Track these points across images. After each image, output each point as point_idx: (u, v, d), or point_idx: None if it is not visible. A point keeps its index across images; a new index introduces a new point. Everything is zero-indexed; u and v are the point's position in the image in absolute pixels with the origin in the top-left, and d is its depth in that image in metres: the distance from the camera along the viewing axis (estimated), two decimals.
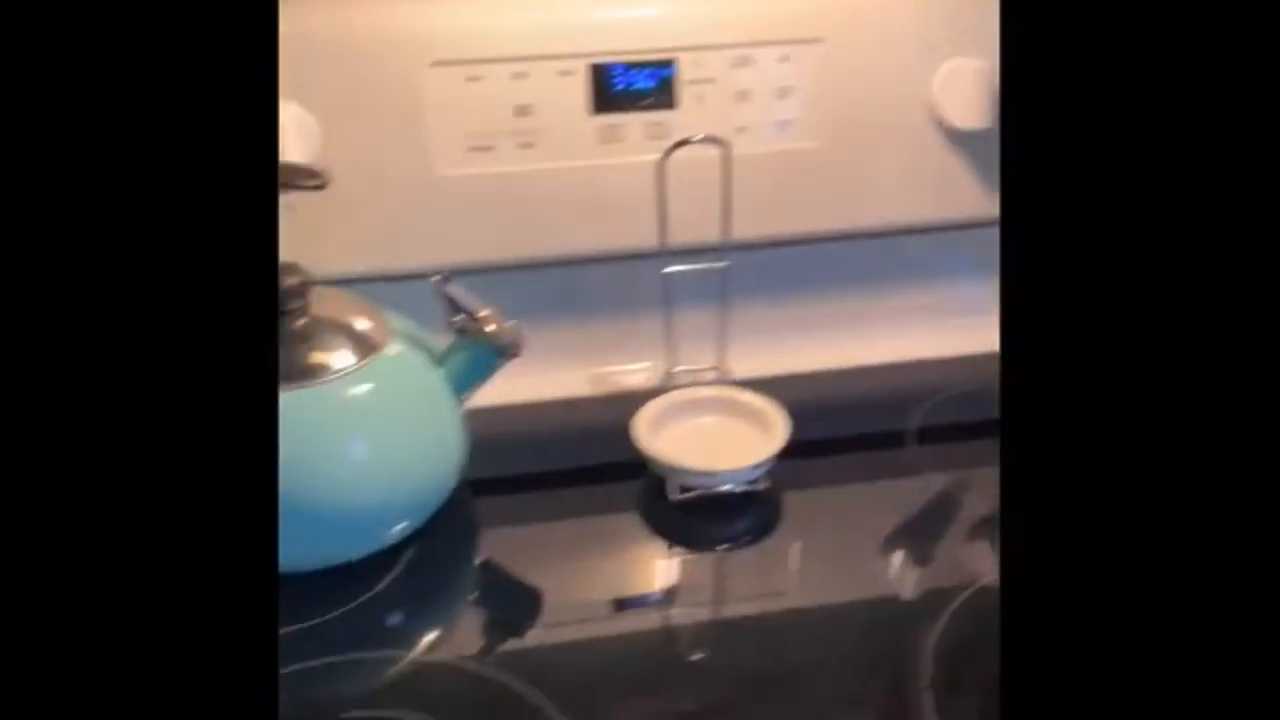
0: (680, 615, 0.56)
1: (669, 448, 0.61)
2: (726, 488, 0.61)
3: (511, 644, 0.54)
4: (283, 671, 0.51)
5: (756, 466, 0.60)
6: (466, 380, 0.58)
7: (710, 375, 0.69)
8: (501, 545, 0.61)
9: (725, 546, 0.61)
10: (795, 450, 0.61)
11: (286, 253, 0.56)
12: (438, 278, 0.57)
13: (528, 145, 0.66)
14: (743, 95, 0.68)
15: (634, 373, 0.74)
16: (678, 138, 0.62)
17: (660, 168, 0.63)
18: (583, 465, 0.67)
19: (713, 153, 0.64)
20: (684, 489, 0.61)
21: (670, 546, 0.61)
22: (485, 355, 0.57)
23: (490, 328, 0.56)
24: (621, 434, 0.62)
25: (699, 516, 0.61)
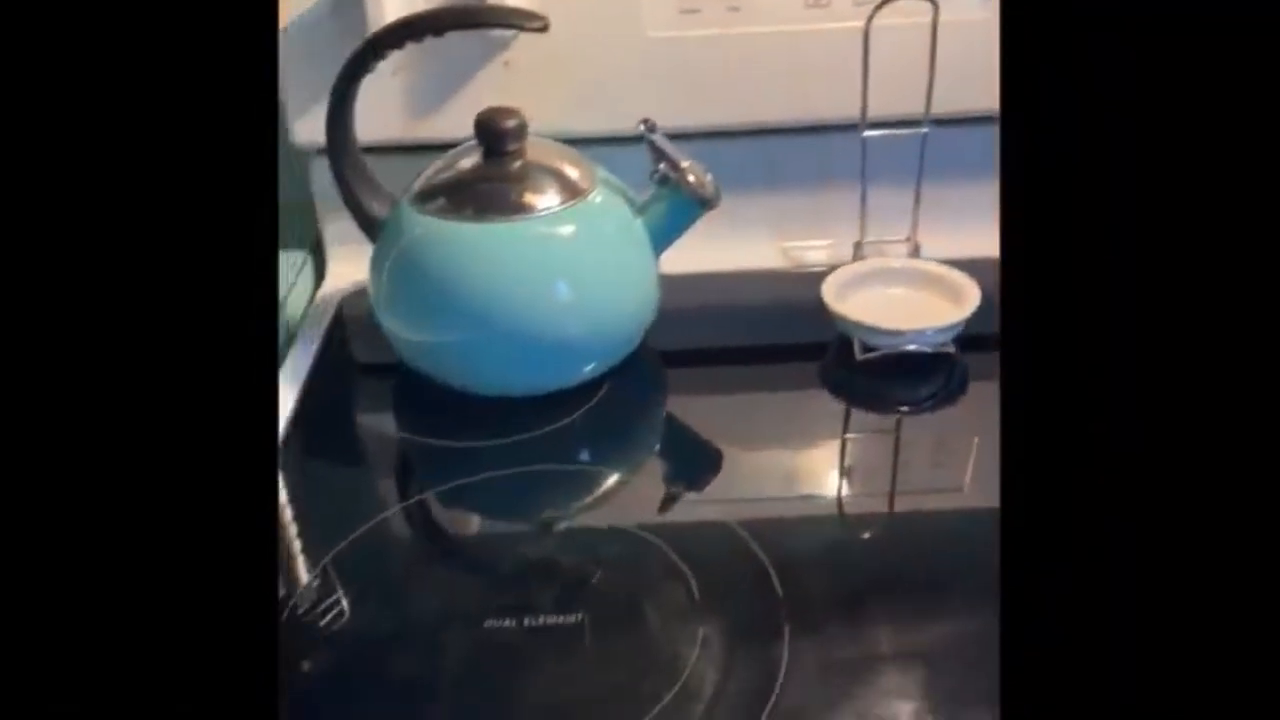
0: (856, 493, 0.57)
1: (856, 310, 0.62)
2: (912, 348, 0.61)
3: (692, 492, 0.57)
4: (484, 477, 0.56)
5: (943, 329, 0.61)
6: (665, 231, 0.61)
7: (902, 249, 0.69)
8: (687, 406, 0.64)
9: (907, 409, 0.61)
10: (981, 338, 0.61)
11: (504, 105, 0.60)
12: (643, 124, 0.60)
13: (735, 9, 0.67)
14: None
15: (824, 247, 0.74)
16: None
17: (865, 34, 0.63)
18: (770, 339, 0.68)
19: (920, 21, 0.63)
20: (868, 349, 0.62)
21: (851, 412, 0.62)
22: (684, 206, 0.59)
23: (691, 178, 0.58)
24: (810, 309, 0.63)
25: (883, 382, 0.62)
